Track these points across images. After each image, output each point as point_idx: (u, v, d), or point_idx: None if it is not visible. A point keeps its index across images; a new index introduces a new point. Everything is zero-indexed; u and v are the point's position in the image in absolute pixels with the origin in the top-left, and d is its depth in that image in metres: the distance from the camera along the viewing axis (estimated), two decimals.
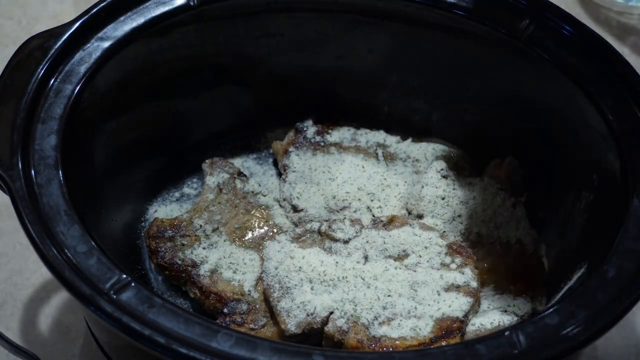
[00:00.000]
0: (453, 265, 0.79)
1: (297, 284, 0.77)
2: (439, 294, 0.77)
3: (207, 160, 0.90)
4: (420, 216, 0.84)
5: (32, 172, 0.70)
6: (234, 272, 0.80)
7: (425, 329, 0.74)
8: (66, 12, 1.12)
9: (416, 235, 0.81)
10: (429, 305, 0.76)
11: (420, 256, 0.79)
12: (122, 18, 0.81)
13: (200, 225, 0.83)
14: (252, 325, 0.77)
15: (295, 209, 0.85)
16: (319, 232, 0.81)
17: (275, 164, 0.93)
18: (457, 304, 0.76)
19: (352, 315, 0.75)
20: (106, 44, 0.79)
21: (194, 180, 0.92)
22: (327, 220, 0.83)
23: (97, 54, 0.78)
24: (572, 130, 0.82)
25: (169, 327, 0.62)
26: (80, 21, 0.79)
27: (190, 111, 0.90)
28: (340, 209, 0.85)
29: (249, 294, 0.79)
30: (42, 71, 0.75)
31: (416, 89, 0.91)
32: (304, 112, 0.93)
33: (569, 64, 0.80)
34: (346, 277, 0.77)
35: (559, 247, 0.83)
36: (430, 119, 0.93)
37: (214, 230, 0.83)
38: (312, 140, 0.91)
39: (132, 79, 0.83)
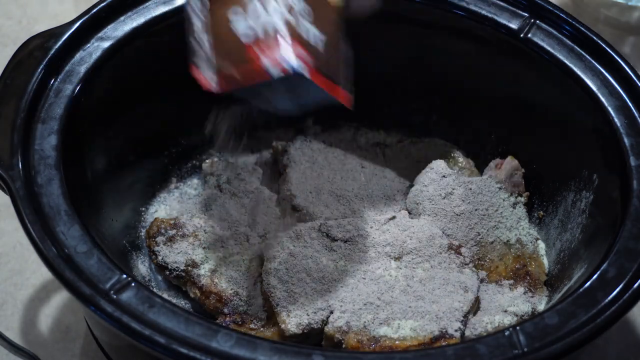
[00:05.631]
0: (453, 265, 0.79)
1: (297, 284, 0.77)
2: (439, 294, 0.76)
3: (207, 160, 0.90)
4: (420, 216, 0.84)
5: (32, 172, 0.70)
6: (234, 272, 0.80)
7: (425, 329, 0.74)
8: (66, 12, 1.12)
9: (416, 235, 0.81)
10: (429, 305, 0.76)
11: (420, 256, 0.79)
12: (122, 18, 0.81)
13: (201, 225, 0.83)
14: (252, 325, 0.77)
15: (295, 208, 0.85)
16: (319, 232, 0.81)
17: (276, 163, 0.93)
18: (457, 304, 0.76)
19: (352, 315, 0.75)
20: (106, 44, 0.79)
21: (194, 180, 0.92)
22: (327, 220, 0.83)
23: (97, 54, 0.78)
24: (572, 130, 0.82)
25: (169, 327, 0.63)
26: (80, 21, 0.79)
27: (191, 111, 0.90)
28: (340, 209, 0.85)
29: (249, 294, 0.79)
30: (42, 71, 0.75)
31: (416, 89, 0.91)
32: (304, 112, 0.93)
33: (568, 64, 0.80)
34: (346, 277, 0.77)
35: (559, 247, 0.83)
36: (430, 119, 0.93)
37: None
38: (312, 140, 0.91)
39: (132, 79, 0.83)
